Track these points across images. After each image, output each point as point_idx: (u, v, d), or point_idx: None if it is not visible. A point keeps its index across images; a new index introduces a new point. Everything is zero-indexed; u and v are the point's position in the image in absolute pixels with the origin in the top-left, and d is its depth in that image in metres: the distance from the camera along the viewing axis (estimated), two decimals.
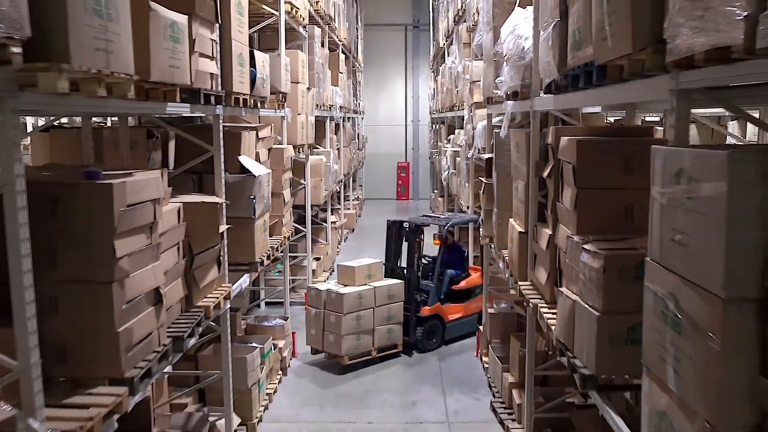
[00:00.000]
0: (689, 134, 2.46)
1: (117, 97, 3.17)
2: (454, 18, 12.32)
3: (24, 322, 2.59)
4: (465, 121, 9.91)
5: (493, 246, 7.02)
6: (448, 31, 13.86)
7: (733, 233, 1.86)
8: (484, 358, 7.85)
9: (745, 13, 1.81)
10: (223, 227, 5.14)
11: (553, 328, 4.12)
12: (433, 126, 20.03)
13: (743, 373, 1.90)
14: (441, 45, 16.22)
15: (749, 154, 1.90)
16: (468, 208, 10.01)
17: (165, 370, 4.65)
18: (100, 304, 3.26)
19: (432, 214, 10.32)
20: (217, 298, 4.90)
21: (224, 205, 5.23)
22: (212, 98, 4.85)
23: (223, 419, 5.59)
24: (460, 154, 10.88)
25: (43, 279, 2.98)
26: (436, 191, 19.19)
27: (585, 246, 3.58)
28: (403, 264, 8.85)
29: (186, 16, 4.06)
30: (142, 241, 3.58)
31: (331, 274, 12.28)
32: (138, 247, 3.52)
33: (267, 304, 9.85)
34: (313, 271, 11.08)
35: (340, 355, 7.74)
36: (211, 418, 5.64)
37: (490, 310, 7.67)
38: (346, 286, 8.00)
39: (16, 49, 2.33)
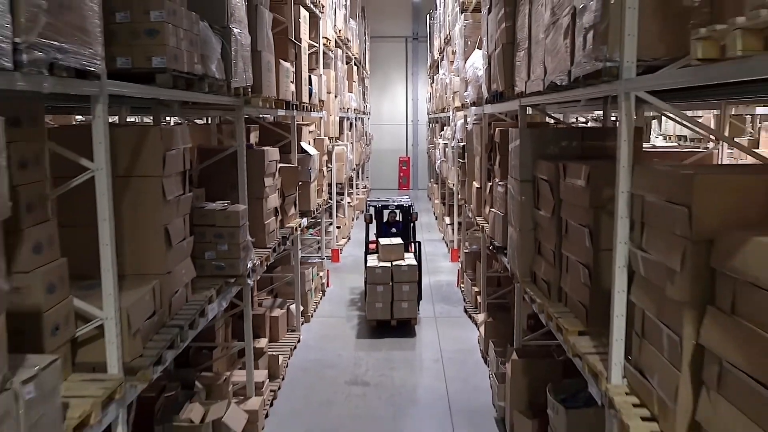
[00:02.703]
0: (525, 123, 5.87)
1: (268, 108, 6.58)
2: (445, 39, 15.72)
3: (250, 217, 5.99)
4: (450, 120, 13.33)
5: (466, 204, 10.41)
6: (441, 48, 17.25)
7: (521, 158, 5.25)
8: (462, 286, 11.25)
9: (522, 77, 5.22)
10: (298, 183, 8.55)
11: (486, 230, 7.54)
12: (430, 125, 23.42)
13: (528, 210, 5.29)
14: (435, 58, 19.62)
15: (528, 130, 5.32)
16: (453, 185, 13.41)
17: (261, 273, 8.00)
18: (257, 208, 6.66)
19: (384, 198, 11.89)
20: (295, 225, 8.30)
21: (298, 169, 8.63)
22: (293, 106, 8.26)
23: (294, 305, 9.00)
24: (448, 145, 14.29)
25: (227, 196, 6.34)
26: (432, 180, 22.60)
27: (499, 183, 6.98)
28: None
29: (289, 63, 7.48)
30: (271, 181, 6.99)
31: (348, 240, 15.73)
32: (270, 184, 6.92)
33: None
34: (336, 236, 14.48)
35: (414, 317, 9.21)
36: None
37: (466, 251, 11.08)
38: (394, 261, 9.22)
39: (248, 89, 5.75)
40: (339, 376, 7.69)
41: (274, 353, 7.52)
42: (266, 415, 6.57)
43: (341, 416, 6.70)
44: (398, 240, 9.69)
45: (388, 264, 9.16)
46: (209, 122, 8.83)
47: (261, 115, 8.53)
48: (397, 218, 10.80)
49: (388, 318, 9.11)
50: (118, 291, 3.38)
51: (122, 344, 3.37)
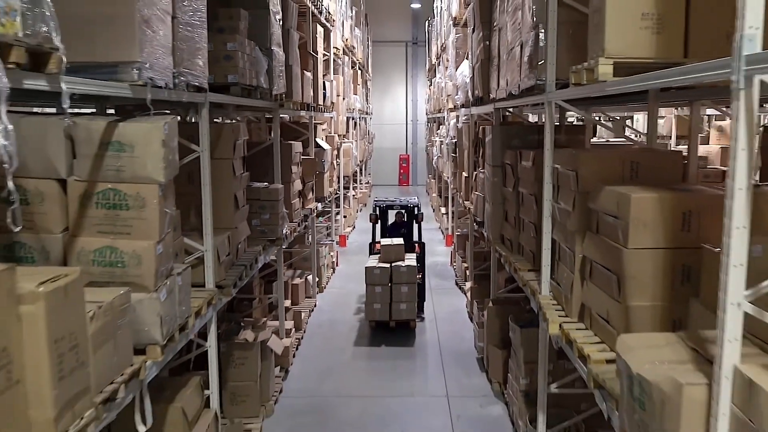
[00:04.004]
0: (499, 122, 7.52)
1: (294, 109, 8.23)
2: (441, 47, 17.37)
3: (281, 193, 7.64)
4: (445, 120, 14.99)
5: (458, 193, 12.06)
6: (437, 53, 18.89)
7: (493, 149, 6.89)
8: (454, 265, 12.90)
9: (494, 86, 6.87)
10: (315, 172, 10.19)
11: (471, 210, 9.19)
12: (428, 124, 25.08)
13: (498, 188, 6.92)
14: (433, 62, 21.27)
15: (499, 126, 6.97)
16: (448, 177, 15.06)
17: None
18: (286, 190, 8.29)
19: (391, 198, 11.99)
20: (313, 207, 9.94)
21: (316, 161, 10.28)
22: (312, 108, 9.90)
23: (310, 276, 10.64)
24: (443, 142, 15.94)
25: (261, 181, 7.97)
26: (430, 176, 24.26)
27: (481, 171, 8.61)
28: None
29: (309, 72, 9.13)
30: (296, 169, 8.64)
31: (353, 229, 17.39)
32: (295, 171, 8.57)
33: None
34: (343, 224, 16.14)
35: (413, 318, 9.14)
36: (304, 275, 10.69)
37: (458, 233, 12.73)
38: (394, 261, 9.11)
39: (282, 95, 7.40)
40: (350, 331, 9.34)
41: (297, 310, 9.17)
42: (293, 356, 8.22)
43: (354, 356, 8.36)
44: (399, 240, 9.66)
45: (387, 265, 9.04)
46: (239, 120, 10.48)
47: (281, 115, 10.20)
48: (404, 219, 10.83)
49: (387, 319, 9.08)
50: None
51: (214, 269, 5.02)
